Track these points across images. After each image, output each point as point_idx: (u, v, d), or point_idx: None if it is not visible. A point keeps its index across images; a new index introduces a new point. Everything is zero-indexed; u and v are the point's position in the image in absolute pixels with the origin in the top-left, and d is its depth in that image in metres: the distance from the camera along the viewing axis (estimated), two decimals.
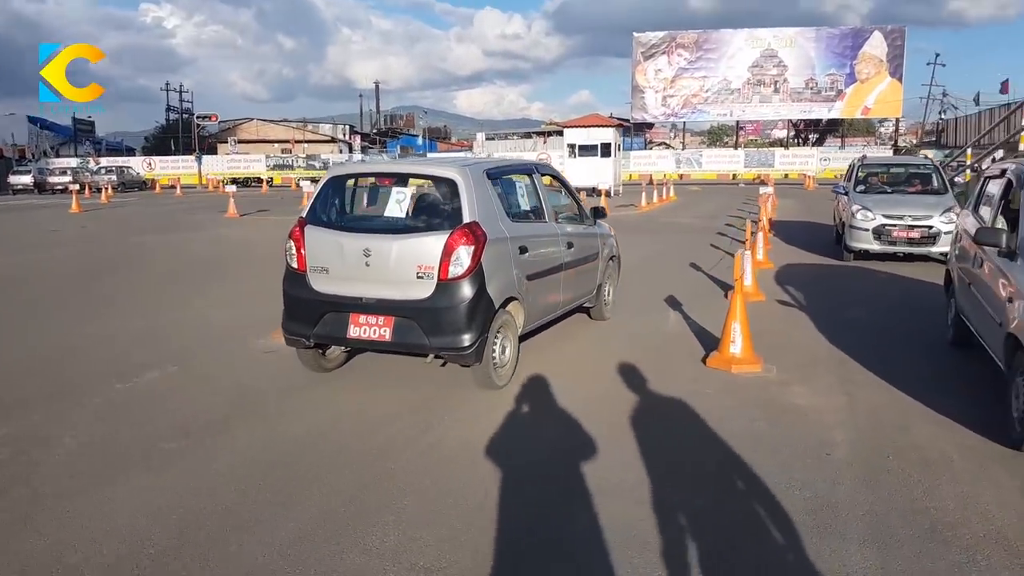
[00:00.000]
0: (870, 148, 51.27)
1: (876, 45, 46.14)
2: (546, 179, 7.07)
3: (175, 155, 53.18)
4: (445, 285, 5.15)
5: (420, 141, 75.22)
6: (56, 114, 39.63)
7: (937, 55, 57.44)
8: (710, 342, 6.65)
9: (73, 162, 47.56)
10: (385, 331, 5.30)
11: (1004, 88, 44.24)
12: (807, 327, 7.28)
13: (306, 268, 5.57)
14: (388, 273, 5.32)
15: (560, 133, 77.76)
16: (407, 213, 5.70)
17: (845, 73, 47.36)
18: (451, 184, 5.50)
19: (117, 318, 8.21)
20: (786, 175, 41.79)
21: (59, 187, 39.34)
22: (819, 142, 58.97)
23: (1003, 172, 5.58)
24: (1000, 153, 17.64)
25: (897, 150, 45.14)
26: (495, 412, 4.96)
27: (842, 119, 50.66)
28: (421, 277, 5.18)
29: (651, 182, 43.31)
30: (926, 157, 13.67)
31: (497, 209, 5.68)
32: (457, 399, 5.30)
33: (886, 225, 10.79)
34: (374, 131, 77.54)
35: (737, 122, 53.27)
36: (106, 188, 35.43)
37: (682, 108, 50.71)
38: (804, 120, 55.63)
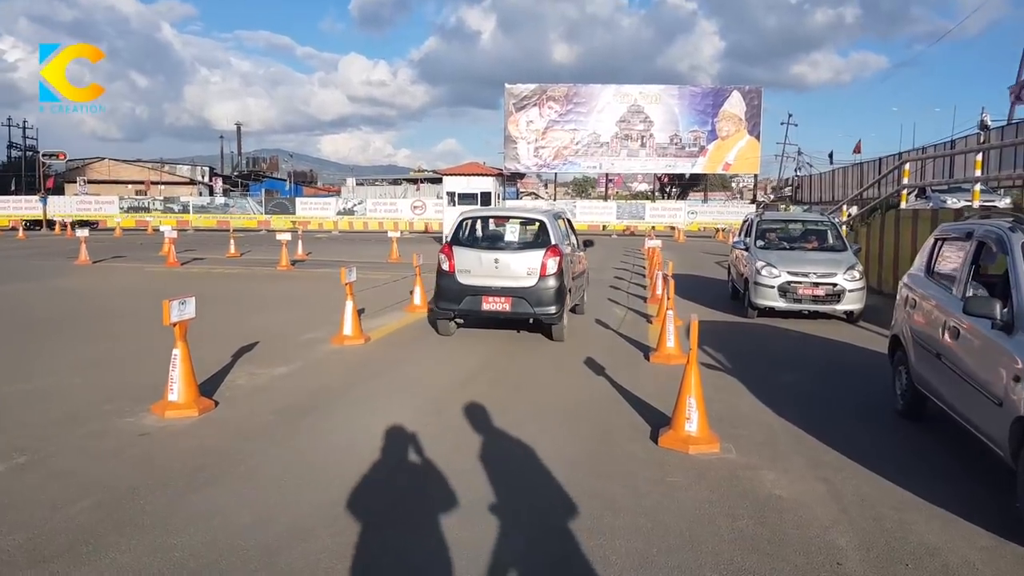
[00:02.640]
0: (733, 203, 54.42)
1: (735, 104, 49.23)
2: (562, 221, 10.48)
3: (17, 195, 48.00)
4: (543, 278, 9.01)
5: (287, 185, 72.56)
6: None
7: (790, 115, 62.31)
8: (653, 416, 6.09)
9: None
10: (506, 305, 9.06)
11: (857, 148, 48.32)
12: (744, 395, 6.87)
13: (455, 270, 9.26)
14: (510, 272, 9.13)
15: (433, 180, 77.75)
16: (519, 239, 10.11)
17: (707, 130, 50.08)
18: (540, 222, 9.83)
19: None
20: (653, 227, 43.26)
21: None
22: (682, 195, 62.10)
23: (968, 235, 5.34)
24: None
25: (757, 204, 48.00)
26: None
27: (704, 174, 53.42)
28: (529, 274, 9.05)
29: None
30: (822, 214, 14.13)
31: (562, 237, 9.77)
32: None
33: (791, 282, 10.82)
34: (235, 173, 74.09)
35: (607, 175, 55.00)
36: None
37: (553, 159, 51.68)
38: (668, 174, 58.49)
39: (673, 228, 41.76)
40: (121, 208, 44.62)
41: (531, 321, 9.43)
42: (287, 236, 19.97)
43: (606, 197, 57.82)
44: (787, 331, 10.45)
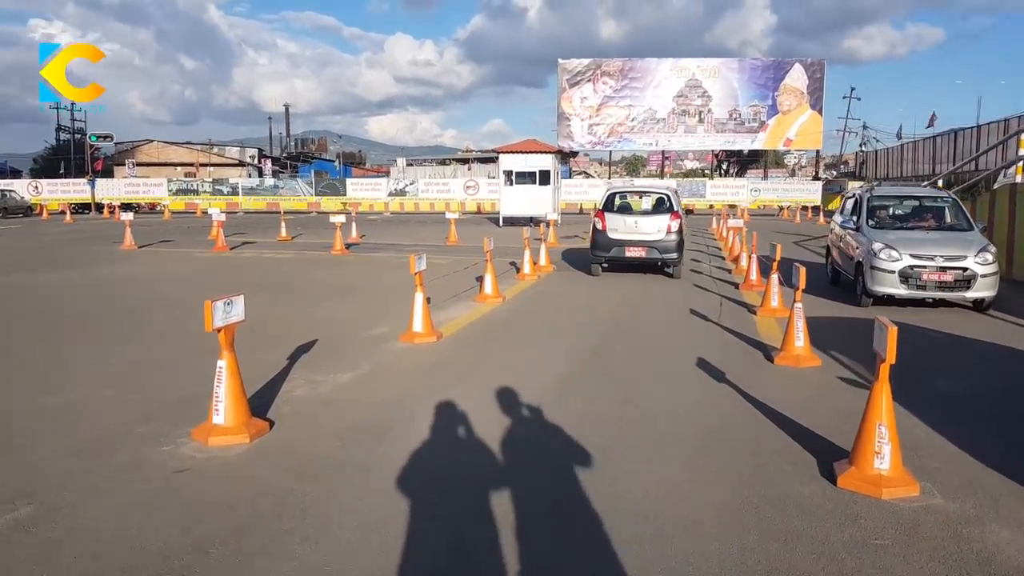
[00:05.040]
0: (794, 179, 51.97)
1: (797, 77, 46.83)
2: (676, 194, 14.23)
3: (65, 178, 48.39)
4: (669, 234, 12.79)
5: (336, 166, 72.23)
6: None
7: (852, 88, 59.34)
8: (809, 440, 4.84)
9: None
10: (642, 252, 12.84)
11: (931, 121, 45.53)
12: (905, 414, 5.51)
13: (606, 228, 13.10)
14: (645, 230, 12.93)
15: (483, 160, 76.53)
16: (652, 206, 14.03)
17: (767, 104, 47.79)
18: (666, 195, 13.95)
19: None
20: (711, 205, 41.34)
21: None
22: (740, 172, 59.73)
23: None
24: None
25: (825, 181, 45.63)
26: None
27: (764, 150, 51.07)
28: (659, 231, 12.84)
29: (581, 211, 42.25)
30: (940, 188, 12.57)
31: (680, 205, 13.67)
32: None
33: (915, 266, 9.36)
34: (284, 155, 74.03)
35: (663, 152, 53.13)
36: None
37: (608, 136, 50.04)
38: (724, 151, 56.21)
39: (733, 206, 39.73)
40: (170, 190, 44.58)
41: (659, 265, 13.37)
42: (341, 218, 19.03)
43: (662, 175, 55.92)
44: (914, 324, 8.98)
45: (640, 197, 15.10)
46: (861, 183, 44.33)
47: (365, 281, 13.39)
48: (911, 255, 9.40)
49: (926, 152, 42.50)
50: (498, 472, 4.43)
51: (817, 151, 50.44)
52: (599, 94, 49.44)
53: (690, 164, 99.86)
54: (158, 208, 43.74)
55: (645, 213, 13.83)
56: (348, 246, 19.04)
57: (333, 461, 4.61)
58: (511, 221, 28.52)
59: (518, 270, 13.84)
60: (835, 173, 58.76)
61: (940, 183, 17.70)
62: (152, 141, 63.43)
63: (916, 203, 11.29)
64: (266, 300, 10.95)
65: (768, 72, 47.92)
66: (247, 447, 4.86)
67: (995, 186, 15.32)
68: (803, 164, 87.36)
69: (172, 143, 64.88)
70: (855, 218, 10.93)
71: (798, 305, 6.86)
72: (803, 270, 6.79)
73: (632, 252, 12.93)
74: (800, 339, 6.84)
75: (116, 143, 57.13)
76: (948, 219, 10.80)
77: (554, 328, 8.96)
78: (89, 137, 50.93)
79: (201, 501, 4.02)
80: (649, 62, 49.90)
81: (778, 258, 9.29)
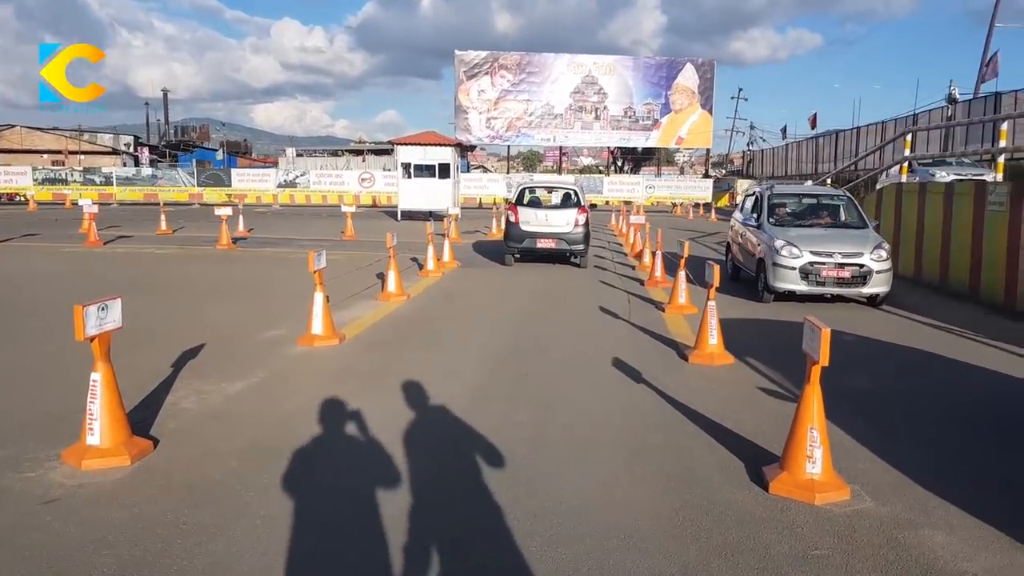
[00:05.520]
0: (686, 178, 53.75)
1: (689, 77, 48.29)
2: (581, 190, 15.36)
3: None
4: (576, 227, 13.66)
5: (220, 155, 68.88)
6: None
7: (740, 89, 61.96)
8: (733, 442, 4.75)
9: None
10: (552, 244, 13.70)
11: (813, 122, 48.01)
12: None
13: (519, 221, 13.82)
14: (555, 222, 13.83)
15: (378, 152, 74.89)
16: (560, 201, 15.49)
17: (660, 103, 49.04)
18: (574, 190, 15.00)
19: None
20: (607, 202, 42.08)
21: None
22: (635, 169, 61.20)
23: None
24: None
25: (709, 178, 47.37)
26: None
27: (657, 148, 52.46)
28: (567, 224, 13.71)
29: (480, 206, 42.01)
30: (835, 187, 13.05)
31: (585, 200, 14.75)
32: None
33: (815, 263, 9.63)
34: (163, 143, 69.93)
35: (560, 148, 53.63)
36: None
37: (507, 131, 49.97)
38: (620, 148, 57.41)
39: (628, 202, 40.55)
40: (35, 179, 41.10)
41: (568, 255, 14.28)
42: (227, 211, 17.90)
43: (559, 170, 56.49)
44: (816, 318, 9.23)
45: (549, 192, 16.89)
46: (750, 181, 46.37)
47: (256, 279, 12.60)
48: (811, 252, 9.67)
49: (809, 151, 44.93)
50: (414, 491, 4.06)
51: (708, 149, 52.29)
52: (497, 87, 49.26)
53: (585, 160, 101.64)
54: (17, 199, 40.19)
55: (554, 207, 15.23)
56: (235, 240, 17.96)
57: (226, 486, 4.10)
58: (409, 215, 27.94)
59: (421, 267, 13.40)
60: (724, 171, 61.23)
61: (828, 181, 18.55)
62: (14, 126, 58.25)
63: (814, 201, 11.67)
64: (146, 300, 10.04)
65: (661, 71, 49.17)
66: (127, 471, 4.28)
67: (878, 185, 16.15)
68: (692, 162, 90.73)
69: (37, 128, 59.80)
70: (756, 216, 11.17)
71: (711, 303, 6.83)
72: (717, 268, 6.77)
73: (543, 243, 13.88)
74: (714, 337, 6.82)
75: None
76: (843, 217, 11.21)
77: (463, 327, 8.63)
78: None
79: (72, 539, 3.44)
80: (546, 57, 50.16)
81: (686, 255, 9.32)
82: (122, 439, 4.44)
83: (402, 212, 27.97)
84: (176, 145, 71.36)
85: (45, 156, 53.92)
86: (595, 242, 19.06)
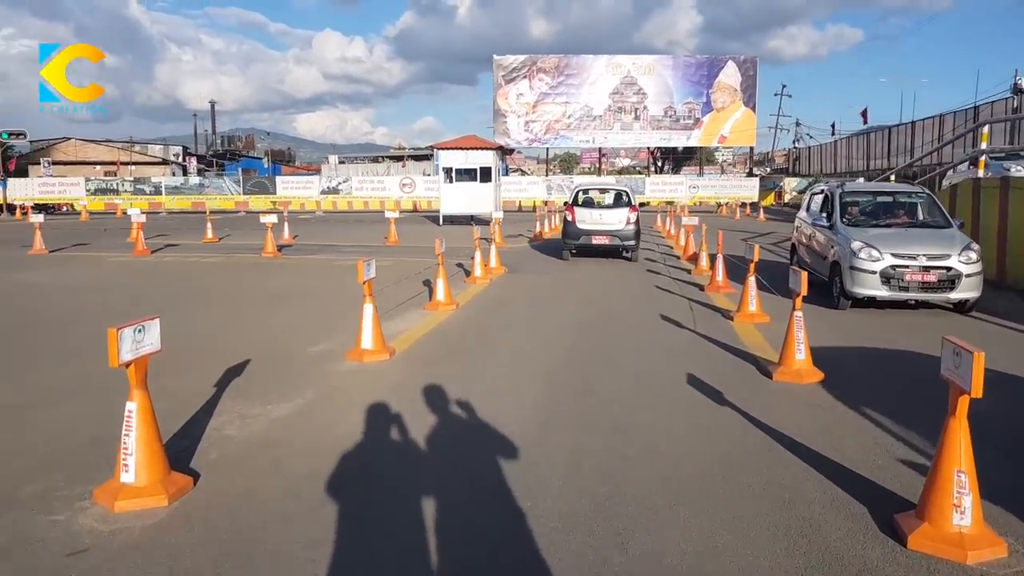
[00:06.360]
0: (728, 177, 52.51)
1: (731, 74, 47.15)
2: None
3: None
4: (628, 224, 14.98)
5: (265, 164, 69.66)
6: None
7: (784, 86, 60.42)
8: (846, 479, 4.11)
9: None
10: (606, 240, 15.00)
11: (864, 117, 46.51)
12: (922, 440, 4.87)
13: (575, 220, 15.20)
14: (609, 221, 15.18)
15: (418, 158, 75.02)
16: (612, 201, 16.52)
17: (702, 102, 47.98)
18: (625, 191, 16.19)
19: None
20: (648, 202, 41.19)
21: None
22: (675, 169, 60.13)
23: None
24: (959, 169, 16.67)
25: (754, 176, 46.16)
26: None
27: (699, 147, 51.36)
28: (619, 222, 15.04)
29: (520, 209, 41.52)
30: (914, 184, 12.25)
31: (635, 200, 15.96)
32: None
33: (897, 267, 8.87)
34: (210, 153, 70.99)
35: (600, 149, 52.88)
36: None
37: (545, 134, 49.44)
38: (660, 148, 56.38)
39: (670, 203, 39.64)
40: (88, 190, 41.89)
41: (620, 251, 15.44)
42: (272, 218, 17.69)
43: (599, 172, 55.72)
44: (902, 328, 8.49)
45: (602, 193, 17.79)
46: (798, 179, 45.04)
47: (302, 288, 12.25)
48: (892, 254, 8.92)
49: (860, 147, 43.40)
50: (484, 546, 3.53)
51: (751, 147, 51.00)
52: (535, 91, 48.77)
53: (622, 162, 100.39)
54: (65, 209, 40.98)
55: (608, 207, 16.20)
56: (280, 248, 17.74)
57: (273, 534, 3.62)
58: (451, 219, 27.56)
59: (468, 273, 12.93)
60: (768, 169, 59.72)
61: (892, 178, 17.59)
62: (69, 139, 59.59)
63: (890, 199, 10.87)
64: (189, 311, 9.77)
65: (702, 69, 48.11)
66: (165, 512, 3.84)
67: (944, 181, 15.22)
68: (733, 161, 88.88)
69: (91, 141, 61.17)
70: (826, 215, 10.43)
71: (798, 314, 6.17)
72: (804, 275, 6.11)
73: (598, 240, 15.13)
74: (801, 352, 6.16)
75: (31, 141, 53.50)
76: (922, 216, 10.41)
77: (518, 339, 8.09)
78: (0, 135, 47.51)
79: None
80: (584, 59, 49.52)
81: (756, 259, 8.67)
82: (159, 476, 4.00)
83: (444, 217, 27.61)
84: (223, 155, 72.43)
85: (98, 167, 55.04)
86: (644, 245, 18.43)
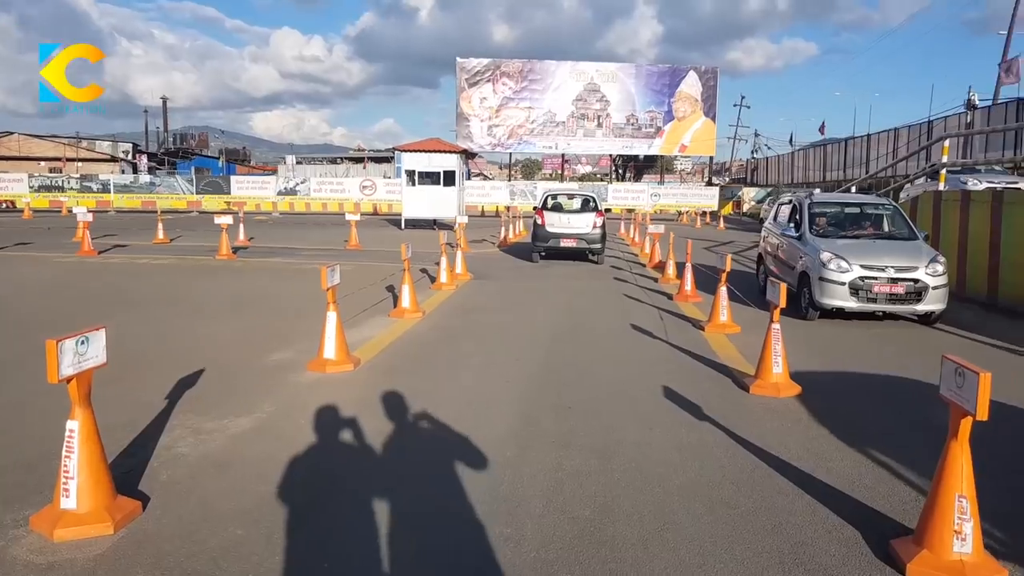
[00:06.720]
0: (688, 185, 53.07)
1: (692, 84, 47.68)
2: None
3: None
4: (595, 228, 16.02)
5: (219, 163, 68.21)
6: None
7: (743, 97, 61.45)
8: (847, 507, 3.96)
9: None
10: (573, 243, 15.99)
11: (821, 129, 47.37)
12: (914, 458, 4.77)
13: (545, 223, 16.09)
14: (576, 225, 16.12)
15: (378, 160, 74.23)
16: (580, 206, 17.38)
17: (664, 111, 48.42)
18: (592, 197, 17.47)
19: None
20: (608, 209, 41.28)
21: None
22: (636, 177, 60.65)
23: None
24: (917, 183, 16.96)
25: (714, 186, 46.73)
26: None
27: (659, 155, 51.86)
28: (587, 225, 16.04)
29: (483, 214, 41.25)
30: (878, 196, 12.35)
31: (601, 206, 17.48)
32: None
33: (865, 278, 8.87)
34: (162, 151, 69.25)
35: (563, 155, 52.98)
36: None
37: (508, 138, 49.31)
38: (622, 156, 56.76)
39: (631, 211, 39.82)
40: (31, 187, 40.45)
41: (587, 253, 16.35)
42: (227, 219, 17.11)
43: (562, 178, 55.83)
44: (870, 339, 8.47)
45: (571, 199, 18.57)
46: (756, 189, 45.67)
47: (258, 292, 11.81)
48: (861, 266, 8.92)
49: (817, 159, 44.22)
50: (465, 569, 3.28)
51: (711, 157, 51.67)
52: (499, 95, 48.65)
53: (583, 169, 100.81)
54: (5, 206, 39.43)
55: (575, 211, 17.04)
56: (235, 250, 17.19)
57: (232, 563, 3.31)
58: (414, 223, 27.21)
59: (433, 279, 12.64)
60: (727, 179, 60.58)
61: (853, 189, 17.84)
62: (12, 134, 57.52)
63: (857, 210, 10.91)
64: (139, 315, 9.30)
65: (664, 78, 48.57)
66: (109, 542, 3.50)
67: (902, 194, 15.47)
68: (692, 170, 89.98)
69: (35, 136, 59.08)
70: (794, 225, 10.42)
71: (776, 326, 6.05)
72: (783, 286, 5.99)
73: (566, 243, 16.05)
74: (779, 365, 6.04)
75: None
76: (887, 227, 10.47)
77: (488, 349, 7.84)
78: None
79: None
80: (548, 64, 49.59)
81: (728, 269, 8.57)
82: (104, 502, 3.65)
83: (406, 220, 27.25)
84: (175, 153, 70.73)
85: (43, 164, 53.23)
86: (609, 253, 18.39)
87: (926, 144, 20.36)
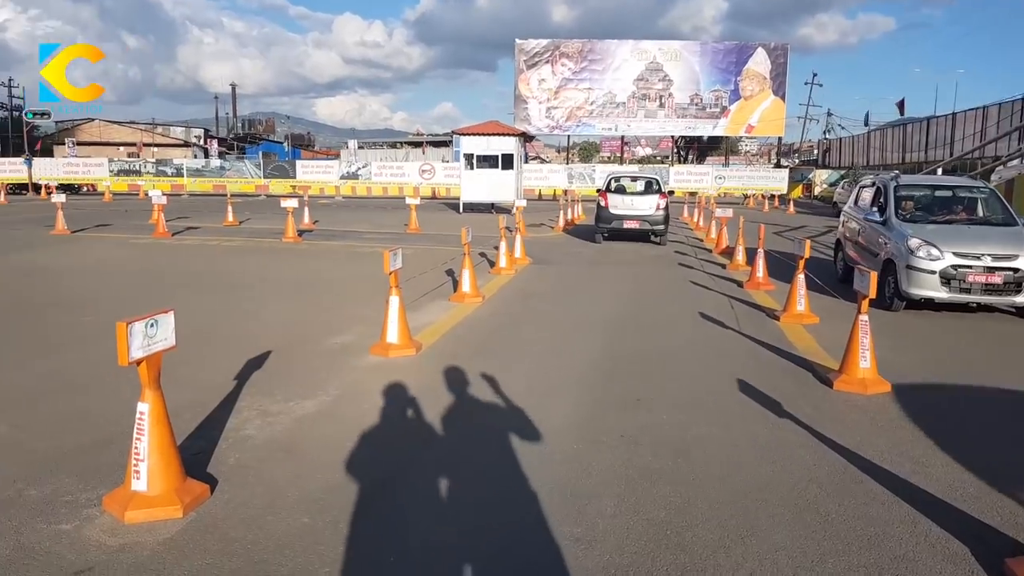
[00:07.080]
0: (754, 168, 51.58)
1: (760, 62, 46.13)
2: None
3: (2, 156, 45.22)
4: (658, 210, 16.34)
5: (285, 148, 69.58)
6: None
7: (815, 74, 59.22)
8: (951, 518, 3.65)
9: None
10: (636, 224, 16.33)
11: (901, 108, 45.40)
12: None
13: (608, 205, 16.42)
14: (639, 207, 16.46)
15: (437, 144, 74.51)
16: (643, 188, 17.74)
17: (729, 90, 47.02)
18: (655, 179, 17.79)
19: None
20: (671, 192, 40.41)
21: None
22: (700, 159, 59.24)
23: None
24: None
25: (783, 168, 45.28)
26: None
27: (724, 136, 50.43)
28: (650, 208, 16.36)
29: (540, 197, 40.95)
30: (974, 178, 11.65)
31: (664, 188, 17.75)
32: None
33: (959, 266, 8.30)
34: (231, 136, 71.04)
35: (623, 137, 52.11)
36: None
37: (567, 120, 48.67)
38: (684, 137, 55.44)
39: (693, 194, 38.93)
40: (111, 171, 41.96)
41: (650, 235, 16.76)
42: (293, 202, 17.32)
43: (621, 161, 54.99)
44: (964, 333, 7.96)
45: (634, 181, 18.82)
46: (828, 171, 44.06)
47: (322, 275, 11.89)
48: (954, 253, 8.34)
49: (895, 139, 42.22)
50: (534, 569, 3.12)
51: (780, 138, 50.04)
52: (558, 76, 48.00)
53: (642, 151, 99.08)
54: (87, 189, 41.05)
55: (639, 193, 17.28)
56: (301, 233, 17.41)
57: (298, 551, 3.24)
58: (472, 207, 27.14)
59: (492, 264, 12.50)
60: (796, 160, 58.66)
61: (939, 171, 16.95)
62: (93, 120, 59.81)
63: (948, 193, 10.24)
64: (209, 297, 9.44)
65: (730, 56, 47.09)
66: (179, 525, 3.47)
67: (994, 176, 14.57)
68: (759, 152, 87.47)
69: (114, 122, 61.40)
70: (878, 210, 9.86)
71: (863, 317, 5.68)
72: (874, 275, 5.61)
73: (629, 224, 16.33)
74: (866, 359, 5.67)
75: (57, 122, 53.80)
76: (982, 212, 9.79)
77: (551, 335, 7.66)
78: (25, 114, 47.67)
79: None
80: (609, 44, 48.65)
81: (806, 255, 8.15)
82: (174, 484, 3.62)
83: (464, 204, 27.19)
84: (243, 138, 72.51)
85: (121, 148, 55.27)
86: (673, 237, 17.99)
87: (1021, 124, 18.97)
